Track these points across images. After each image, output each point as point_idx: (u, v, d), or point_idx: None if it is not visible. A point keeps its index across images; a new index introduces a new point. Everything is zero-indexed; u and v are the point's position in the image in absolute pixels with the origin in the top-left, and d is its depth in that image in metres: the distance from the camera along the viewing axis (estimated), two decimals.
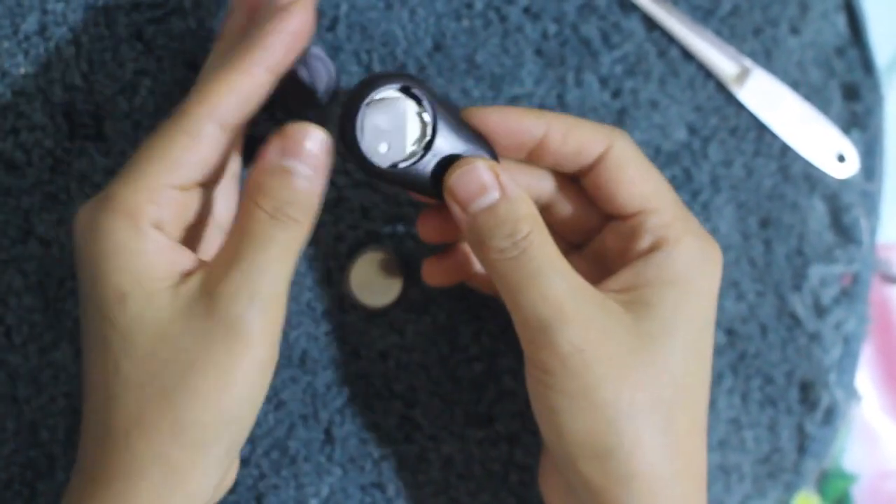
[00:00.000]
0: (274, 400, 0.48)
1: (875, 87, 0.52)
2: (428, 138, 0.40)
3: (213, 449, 0.37)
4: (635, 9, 0.51)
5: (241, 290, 0.36)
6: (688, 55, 0.51)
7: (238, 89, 0.38)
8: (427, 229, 0.44)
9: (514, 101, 0.50)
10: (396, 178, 0.40)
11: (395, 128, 0.39)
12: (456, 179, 0.39)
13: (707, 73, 0.51)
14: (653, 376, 0.39)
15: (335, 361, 0.49)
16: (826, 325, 0.52)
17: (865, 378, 0.54)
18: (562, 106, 0.50)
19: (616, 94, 0.50)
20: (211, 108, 0.37)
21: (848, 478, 0.53)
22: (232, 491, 0.48)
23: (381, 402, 0.49)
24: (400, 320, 0.49)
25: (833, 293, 0.52)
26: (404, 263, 0.49)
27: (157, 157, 0.37)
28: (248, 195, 0.37)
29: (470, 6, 0.50)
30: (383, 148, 0.39)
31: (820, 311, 0.52)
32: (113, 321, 0.37)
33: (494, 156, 0.41)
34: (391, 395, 0.49)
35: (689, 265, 0.40)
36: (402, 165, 0.39)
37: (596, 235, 0.43)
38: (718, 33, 0.51)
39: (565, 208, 0.43)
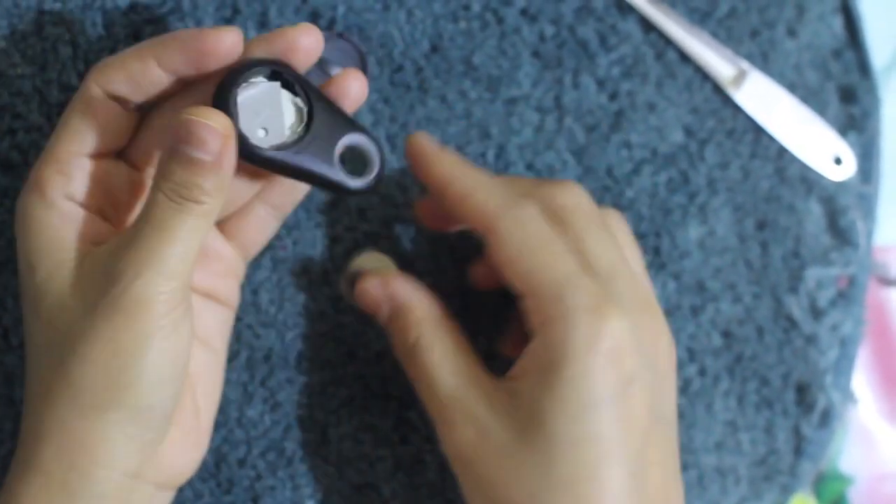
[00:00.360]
0: (270, 401, 0.48)
1: (872, 90, 0.52)
2: (304, 122, 0.39)
3: (111, 415, 0.37)
4: (632, 11, 0.51)
5: (129, 267, 0.37)
6: (685, 57, 0.51)
7: (124, 66, 0.39)
8: (425, 217, 0.47)
9: (511, 102, 0.50)
10: (277, 165, 0.39)
11: (270, 112, 0.39)
12: (357, 299, 0.45)
13: (704, 76, 0.51)
14: (527, 473, 0.39)
15: (331, 362, 0.49)
16: (822, 328, 0.52)
17: (862, 380, 0.54)
18: (559, 108, 0.50)
19: (613, 96, 0.50)
20: (97, 74, 0.39)
21: (844, 480, 0.53)
22: (228, 492, 0.48)
23: (377, 403, 0.49)
24: None
25: (829, 295, 0.52)
26: (400, 265, 0.48)
27: (59, 129, 0.40)
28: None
29: (467, 8, 0.50)
30: (261, 132, 0.39)
31: (816, 313, 0.52)
32: (25, 293, 0.40)
33: (374, 138, 0.40)
34: (387, 397, 0.49)
35: (558, 350, 0.39)
36: (282, 151, 0.39)
37: None
38: (715, 35, 0.51)
39: None
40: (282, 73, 0.39)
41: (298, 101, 0.40)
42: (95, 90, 0.39)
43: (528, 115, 0.50)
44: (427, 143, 0.44)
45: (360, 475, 0.49)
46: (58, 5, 0.47)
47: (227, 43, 0.38)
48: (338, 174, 0.40)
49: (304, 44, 0.39)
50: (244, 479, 0.48)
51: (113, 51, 0.47)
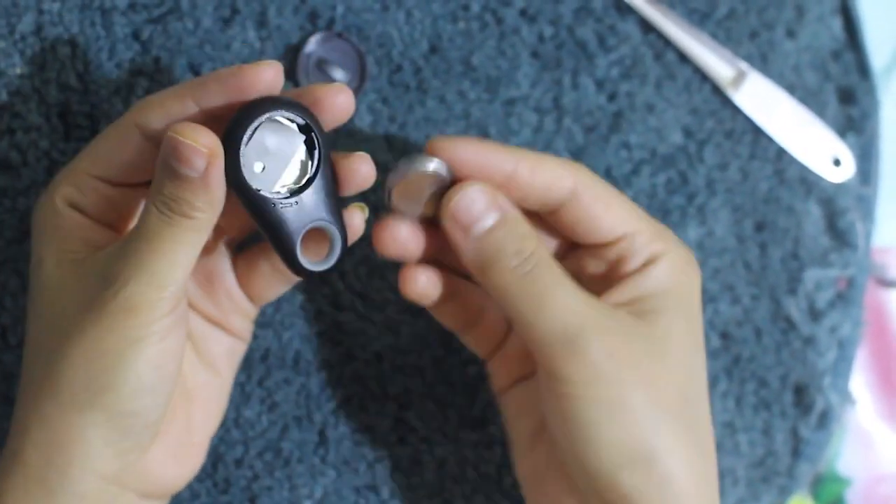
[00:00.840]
0: (267, 401, 0.48)
1: (871, 91, 0.52)
2: (298, 186, 0.39)
3: (90, 413, 0.38)
4: (632, 11, 0.51)
5: (121, 273, 0.37)
6: (684, 58, 0.51)
7: (163, 105, 0.39)
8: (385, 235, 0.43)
9: (509, 103, 0.50)
10: (250, 202, 0.39)
11: (278, 158, 0.39)
12: (456, 203, 0.40)
13: (703, 77, 0.51)
14: (673, 378, 0.40)
15: (329, 363, 0.49)
16: (821, 329, 0.52)
17: (860, 382, 0.54)
18: (558, 109, 0.50)
19: (612, 96, 0.50)
20: (136, 110, 0.39)
21: (842, 481, 0.53)
22: (225, 492, 0.48)
23: (375, 403, 0.49)
24: (395, 321, 0.49)
25: (828, 297, 0.52)
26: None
27: (89, 147, 0.41)
28: None
29: (466, 8, 0.50)
30: (258, 167, 0.39)
31: (815, 314, 0.52)
32: (30, 286, 0.41)
33: (345, 238, 0.40)
34: (385, 397, 0.49)
35: (678, 273, 0.42)
36: (261, 195, 0.39)
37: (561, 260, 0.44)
38: (715, 36, 0.51)
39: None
40: (312, 131, 0.39)
41: (309, 165, 0.39)
42: (131, 125, 0.39)
43: (526, 116, 0.50)
44: (469, 138, 0.42)
45: (359, 476, 0.49)
46: (56, 5, 0.47)
47: (268, 77, 0.38)
48: (295, 248, 0.39)
49: (337, 102, 0.39)
50: (241, 479, 0.48)
51: (112, 51, 0.47)
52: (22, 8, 0.47)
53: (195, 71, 0.48)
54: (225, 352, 0.45)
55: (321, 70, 0.48)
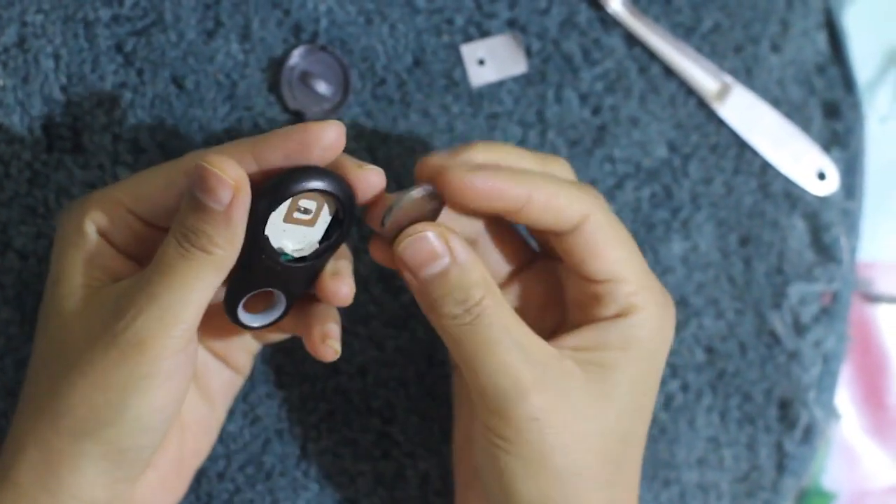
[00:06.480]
0: (250, 415, 0.48)
1: (856, 106, 0.52)
2: (300, 257, 0.39)
3: (87, 443, 0.38)
4: (616, 25, 0.51)
5: (132, 307, 0.37)
6: (669, 72, 0.51)
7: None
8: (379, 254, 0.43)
9: (493, 117, 0.50)
10: (261, 257, 0.39)
11: (301, 227, 0.39)
12: (405, 247, 0.39)
13: (688, 90, 0.51)
14: (603, 435, 0.40)
15: (312, 377, 0.48)
16: (805, 344, 0.52)
17: (845, 397, 0.54)
18: (541, 122, 0.50)
19: (596, 110, 0.50)
20: (191, 162, 0.38)
21: (827, 496, 0.53)
22: None
23: (358, 417, 0.49)
24: (379, 335, 0.49)
25: (813, 311, 0.52)
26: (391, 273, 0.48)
27: (131, 180, 0.40)
28: None
29: (450, 22, 0.50)
30: (281, 228, 0.39)
31: (799, 329, 0.52)
32: (43, 302, 0.41)
33: (289, 305, 0.41)
34: (369, 411, 0.49)
35: (649, 333, 0.41)
36: (265, 257, 0.39)
37: (531, 264, 0.44)
38: (699, 50, 0.51)
39: (495, 245, 0.43)
40: (343, 219, 0.39)
41: (318, 242, 0.39)
42: (180, 173, 0.39)
43: (511, 129, 0.50)
44: (483, 171, 0.40)
45: (341, 490, 0.49)
46: (40, 17, 0.47)
47: (331, 136, 0.37)
48: (240, 310, 0.40)
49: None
50: (223, 493, 0.48)
51: (95, 63, 0.47)
52: (5, 20, 0.47)
53: (178, 83, 0.48)
54: (223, 385, 0.45)
55: (305, 83, 0.48)
